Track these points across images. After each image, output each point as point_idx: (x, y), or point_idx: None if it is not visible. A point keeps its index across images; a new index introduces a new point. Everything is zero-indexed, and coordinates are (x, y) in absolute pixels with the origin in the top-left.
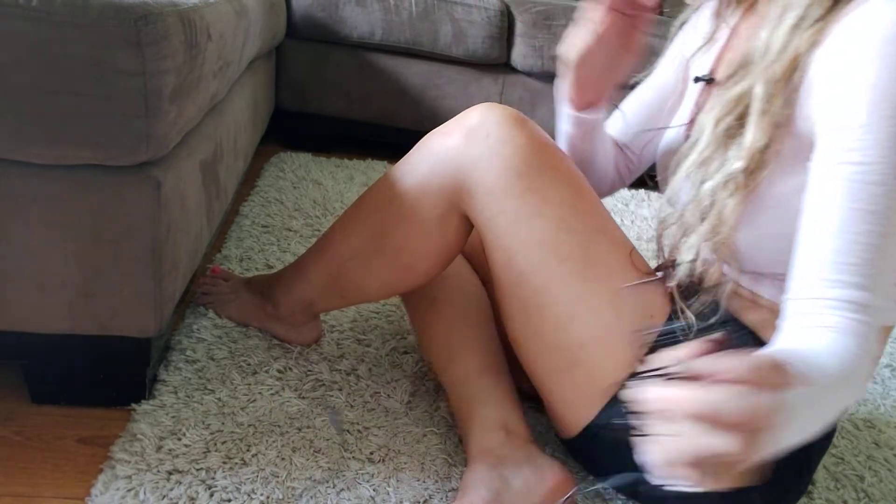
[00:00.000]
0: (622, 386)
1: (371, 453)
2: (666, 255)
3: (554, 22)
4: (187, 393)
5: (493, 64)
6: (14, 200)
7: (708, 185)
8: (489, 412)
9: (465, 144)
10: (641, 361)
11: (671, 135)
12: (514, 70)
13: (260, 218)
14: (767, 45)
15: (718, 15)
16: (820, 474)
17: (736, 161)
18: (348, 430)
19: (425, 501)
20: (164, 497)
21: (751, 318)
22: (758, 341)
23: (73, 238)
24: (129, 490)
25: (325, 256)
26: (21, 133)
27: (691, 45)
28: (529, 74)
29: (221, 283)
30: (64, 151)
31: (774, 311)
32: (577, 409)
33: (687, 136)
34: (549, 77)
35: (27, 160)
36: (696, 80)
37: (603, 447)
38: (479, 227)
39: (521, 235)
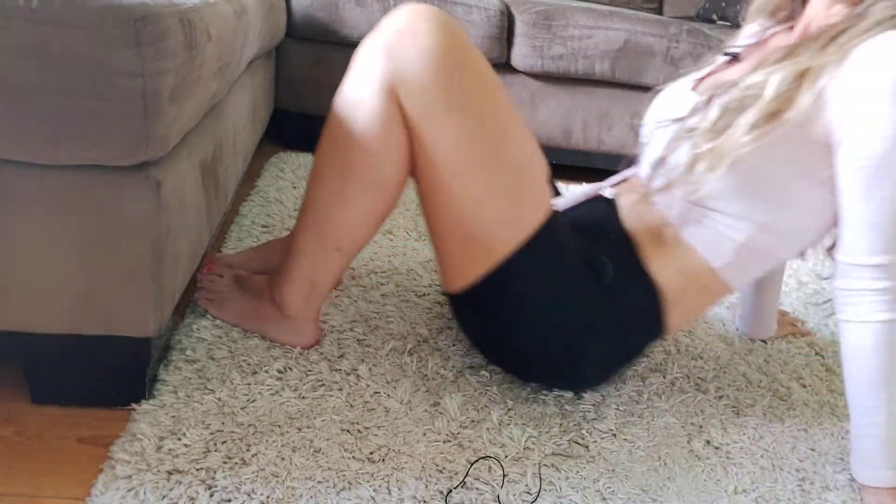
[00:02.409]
0: (507, 258)
1: (371, 453)
2: (660, 151)
3: (554, 22)
4: (187, 393)
5: (493, 64)
6: (14, 200)
7: (741, 119)
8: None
9: (396, 46)
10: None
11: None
12: (514, 70)
13: (260, 218)
14: (812, 52)
15: (767, 16)
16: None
17: (756, 110)
18: (348, 430)
19: (425, 501)
20: (164, 497)
21: (641, 230)
22: (631, 248)
23: (73, 238)
24: (129, 490)
25: (307, 217)
26: (21, 133)
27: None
28: (529, 74)
29: (218, 281)
30: (63, 152)
31: (661, 238)
32: (463, 273)
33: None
34: (549, 77)
35: (27, 160)
36: (725, 53)
37: (476, 308)
38: (410, 120)
39: (443, 127)
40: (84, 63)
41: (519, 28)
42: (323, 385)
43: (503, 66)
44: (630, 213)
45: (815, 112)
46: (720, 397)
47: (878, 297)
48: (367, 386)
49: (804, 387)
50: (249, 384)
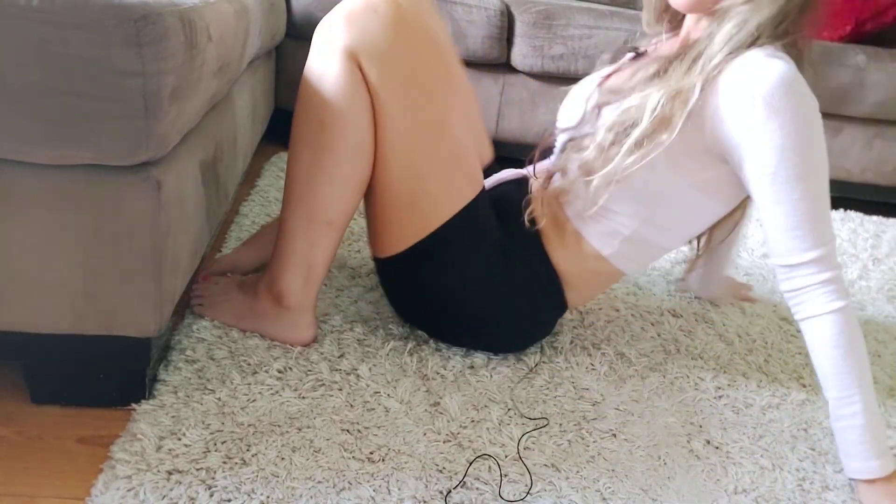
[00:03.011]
0: (439, 228)
1: (371, 453)
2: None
3: (554, 22)
4: (187, 393)
5: (493, 64)
6: (14, 200)
7: (625, 142)
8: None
9: (359, 15)
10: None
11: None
12: (514, 70)
13: (260, 218)
14: (682, 72)
15: (656, 24)
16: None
17: (637, 132)
18: (348, 430)
19: (425, 501)
20: (164, 497)
21: (544, 219)
22: (536, 233)
23: (73, 238)
24: (129, 490)
25: (291, 197)
26: (21, 133)
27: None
28: (529, 74)
29: (213, 287)
30: (64, 151)
31: (560, 227)
32: (396, 239)
33: (600, 85)
34: (549, 77)
35: (27, 160)
36: (631, 49)
37: (403, 273)
38: (371, 86)
39: (397, 97)
40: (84, 62)
41: (519, 28)
42: (323, 385)
43: (503, 65)
44: (537, 202)
45: (692, 130)
46: (720, 397)
47: (824, 288)
48: (367, 386)
49: (804, 387)
50: (249, 384)
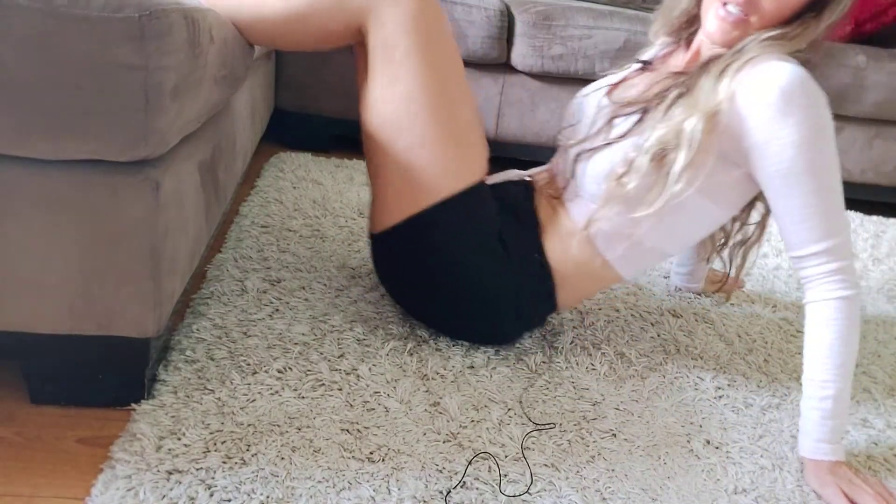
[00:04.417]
0: (434, 206)
1: (371, 453)
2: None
3: (554, 22)
4: (187, 393)
5: (493, 64)
6: (13, 201)
7: (672, 169)
8: None
9: None
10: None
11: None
12: (514, 70)
13: (259, 218)
14: (708, 91)
15: (667, 35)
16: None
17: (681, 152)
18: (348, 430)
19: (425, 501)
20: (163, 497)
21: (547, 219)
22: (536, 231)
23: (73, 239)
24: (129, 490)
25: None
26: (22, 126)
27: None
28: (529, 74)
29: None
30: (64, 145)
31: (563, 228)
32: (392, 211)
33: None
34: (549, 77)
35: (27, 154)
36: (638, 61)
37: (394, 249)
38: (372, 50)
39: (411, 64)
40: (87, 56)
41: (519, 28)
42: (323, 385)
43: (503, 66)
44: (541, 201)
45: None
46: (720, 397)
47: (832, 277)
48: (367, 386)
49: None
50: (249, 384)
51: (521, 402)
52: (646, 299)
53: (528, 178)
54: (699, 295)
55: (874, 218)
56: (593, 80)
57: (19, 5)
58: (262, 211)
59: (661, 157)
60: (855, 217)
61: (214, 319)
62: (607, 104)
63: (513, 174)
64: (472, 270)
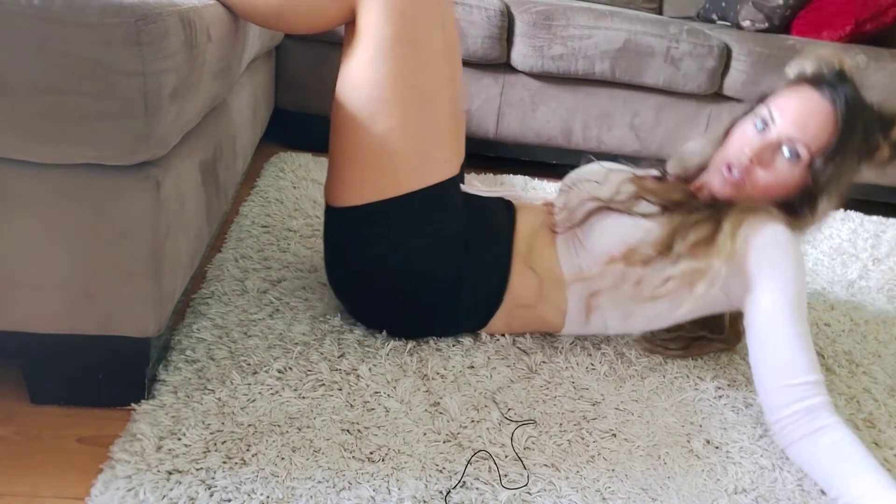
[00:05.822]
0: (402, 195)
1: (371, 453)
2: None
3: (554, 22)
4: (187, 393)
5: (493, 64)
6: (14, 201)
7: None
8: None
9: None
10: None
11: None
12: (514, 70)
13: (260, 218)
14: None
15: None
16: None
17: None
18: (348, 430)
19: (425, 501)
20: (163, 497)
21: (527, 248)
22: (509, 253)
23: (73, 238)
24: (129, 490)
25: None
26: (21, 131)
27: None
28: (529, 74)
29: None
30: (63, 150)
31: (539, 264)
32: (356, 192)
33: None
34: (549, 77)
35: (27, 159)
36: (660, 171)
37: (350, 228)
38: (356, 30)
39: (397, 52)
40: (85, 61)
41: (519, 28)
42: (323, 385)
43: (503, 66)
44: (526, 229)
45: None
46: (720, 397)
47: (812, 412)
48: (367, 386)
49: None
50: (249, 384)
51: (495, 399)
52: None
53: (510, 200)
54: None
55: (874, 218)
56: (593, 80)
57: (17, 11)
58: (263, 211)
59: (686, 284)
60: (855, 217)
61: (215, 319)
62: (633, 187)
63: (494, 191)
64: (422, 263)
